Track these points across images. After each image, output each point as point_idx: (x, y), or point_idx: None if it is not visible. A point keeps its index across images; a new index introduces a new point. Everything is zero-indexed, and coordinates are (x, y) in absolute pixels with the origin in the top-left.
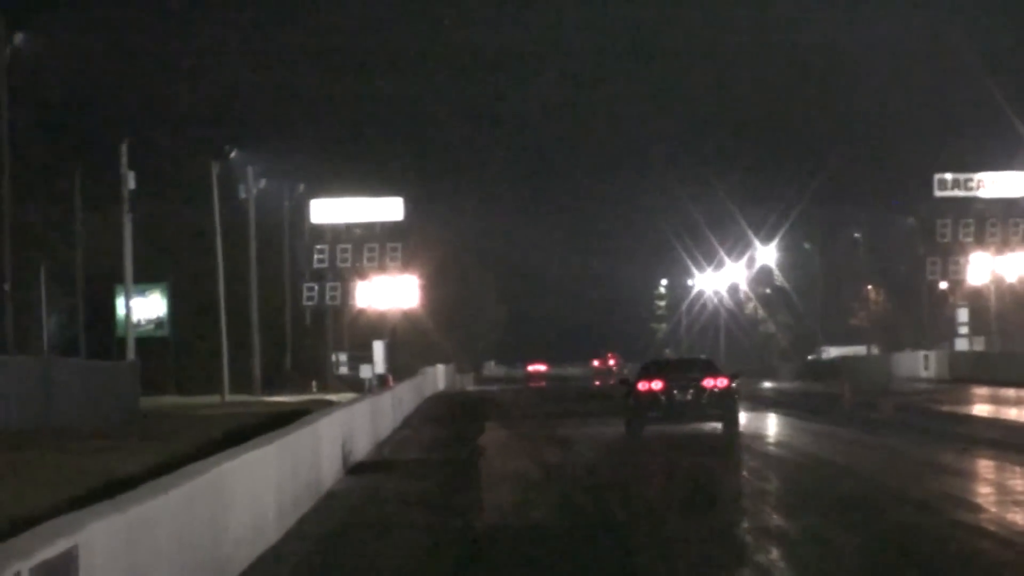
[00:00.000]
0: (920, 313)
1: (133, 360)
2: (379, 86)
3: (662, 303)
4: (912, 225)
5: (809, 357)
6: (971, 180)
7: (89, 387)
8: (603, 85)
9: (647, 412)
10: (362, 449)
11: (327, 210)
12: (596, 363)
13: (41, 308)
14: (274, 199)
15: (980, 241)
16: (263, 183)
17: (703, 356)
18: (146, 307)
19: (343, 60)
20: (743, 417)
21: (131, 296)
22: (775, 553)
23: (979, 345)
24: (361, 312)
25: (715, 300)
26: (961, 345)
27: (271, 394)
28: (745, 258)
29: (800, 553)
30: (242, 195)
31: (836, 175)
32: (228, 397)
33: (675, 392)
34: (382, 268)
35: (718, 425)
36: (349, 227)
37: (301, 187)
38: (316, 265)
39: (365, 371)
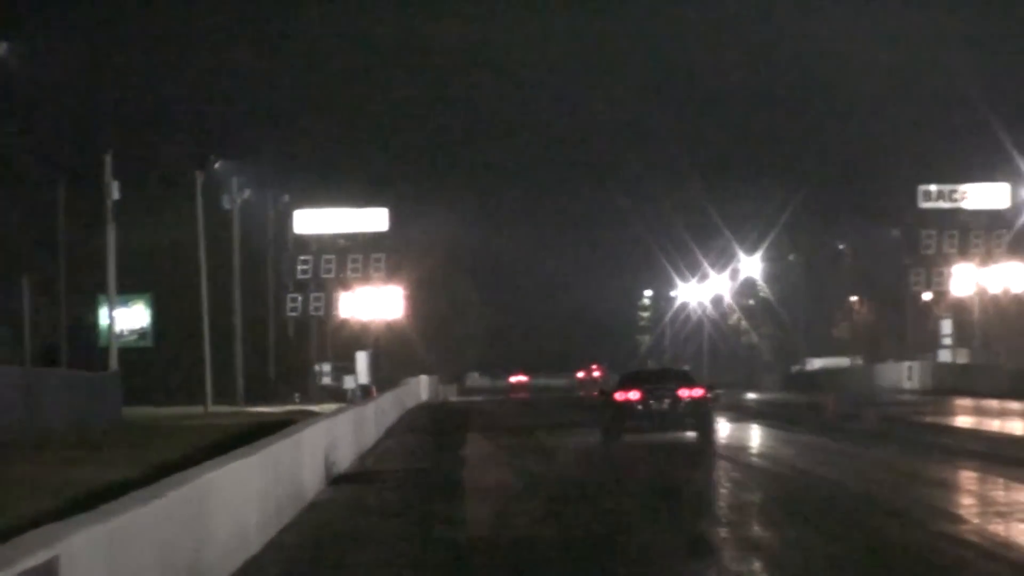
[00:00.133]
0: (904, 324)
1: (116, 370)
2: (365, 97)
3: (646, 314)
4: (896, 236)
5: (793, 368)
6: (955, 191)
7: (72, 397)
8: (589, 97)
9: (624, 421)
10: (345, 460)
11: (311, 221)
12: (581, 374)
13: (24, 318)
14: (258, 210)
15: (964, 252)
16: (247, 194)
17: (684, 367)
18: (129, 318)
19: (328, 70)
20: (726, 428)
21: (114, 306)
22: (757, 564)
23: (963, 357)
24: (344, 323)
25: (699, 311)
26: (945, 356)
27: (254, 405)
28: (729, 269)
29: (783, 564)
30: (226, 206)
31: (820, 186)
32: (211, 408)
33: (652, 402)
34: (366, 279)
35: (694, 434)
36: (333, 238)
37: (285, 198)
38: (300, 276)
39: (348, 382)
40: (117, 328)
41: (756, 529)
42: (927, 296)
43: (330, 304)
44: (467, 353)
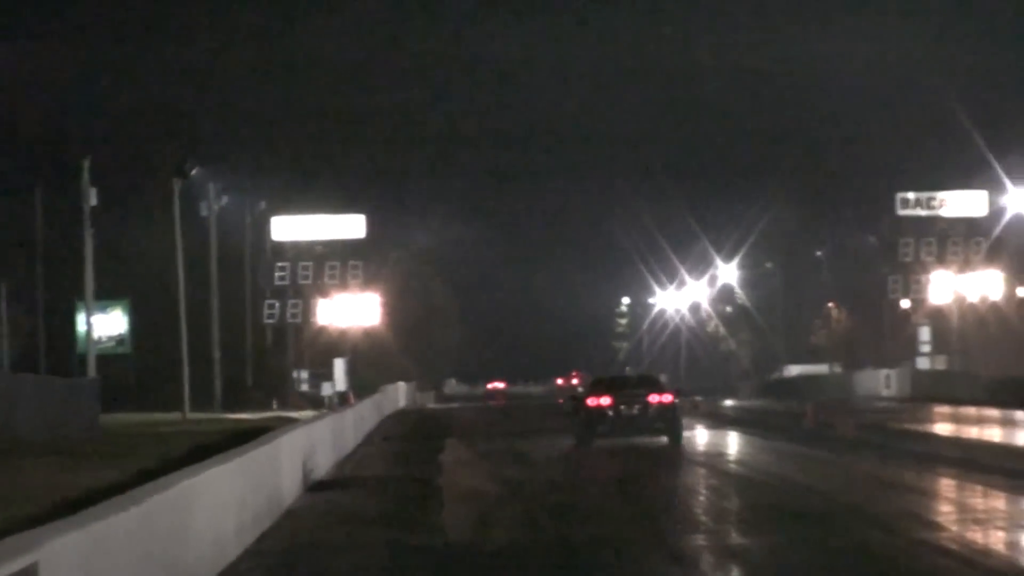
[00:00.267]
0: (882, 332)
1: (94, 377)
2: (342, 103)
3: (623, 321)
4: (874, 244)
5: (771, 375)
6: (933, 199)
7: (49, 403)
8: (567, 105)
9: (596, 426)
10: (323, 466)
11: (289, 227)
12: (560, 381)
13: (1, 324)
14: (236, 216)
15: (942, 260)
16: (225, 200)
17: (660, 375)
18: (107, 324)
19: (306, 77)
20: (704, 435)
21: (92, 313)
22: (736, 572)
23: (941, 364)
24: (322, 329)
25: (677, 318)
26: (923, 364)
27: (232, 411)
28: (707, 276)
29: (761, 571)
30: (203, 212)
31: (798, 193)
32: (189, 414)
33: (622, 407)
34: (343, 286)
35: (664, 438)
36: (311, 244)
37: (263, 204)
38: (277, 282)
39: (326, 388)
40: (95, 334)
41: (734, 536)
42: (905, 304)
43: (308, 311)
44: (445, 360)
